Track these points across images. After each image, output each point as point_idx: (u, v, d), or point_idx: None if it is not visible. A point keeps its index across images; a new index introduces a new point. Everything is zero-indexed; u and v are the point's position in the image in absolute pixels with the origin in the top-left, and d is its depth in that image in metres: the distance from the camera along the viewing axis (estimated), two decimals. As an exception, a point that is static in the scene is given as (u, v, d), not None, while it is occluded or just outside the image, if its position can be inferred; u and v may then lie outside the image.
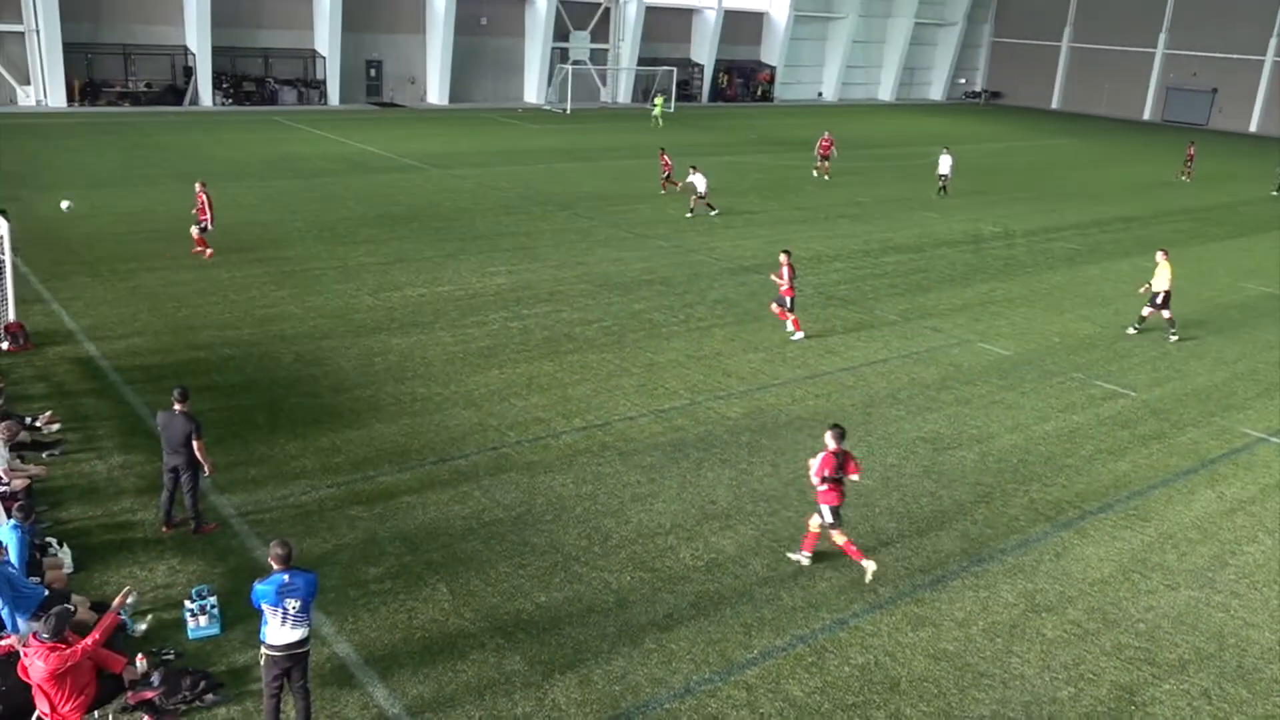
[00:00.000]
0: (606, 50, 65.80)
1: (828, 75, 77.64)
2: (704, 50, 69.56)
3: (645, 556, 11.83)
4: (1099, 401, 17.69)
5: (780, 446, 15.02)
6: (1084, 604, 11.40)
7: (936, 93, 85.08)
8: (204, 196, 23.06)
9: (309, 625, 8.45)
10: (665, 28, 67.87)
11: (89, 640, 8.19)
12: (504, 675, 9.63)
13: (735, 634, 10.46)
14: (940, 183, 37.39)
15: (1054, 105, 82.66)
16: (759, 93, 73.13)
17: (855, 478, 11.65)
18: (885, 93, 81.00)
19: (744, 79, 73.00)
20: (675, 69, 65.21)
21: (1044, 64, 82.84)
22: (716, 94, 70.98)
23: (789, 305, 19.94)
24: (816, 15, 74.49)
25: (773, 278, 20.36)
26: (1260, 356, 20.70)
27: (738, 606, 10.94)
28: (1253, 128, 72.00)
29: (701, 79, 70.13)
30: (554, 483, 13.50)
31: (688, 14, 69.26)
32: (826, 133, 41.33)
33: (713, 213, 28.85)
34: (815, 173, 40.19)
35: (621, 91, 66.46)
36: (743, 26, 71.96)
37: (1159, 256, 21.40)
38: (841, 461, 11.33)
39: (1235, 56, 72.03)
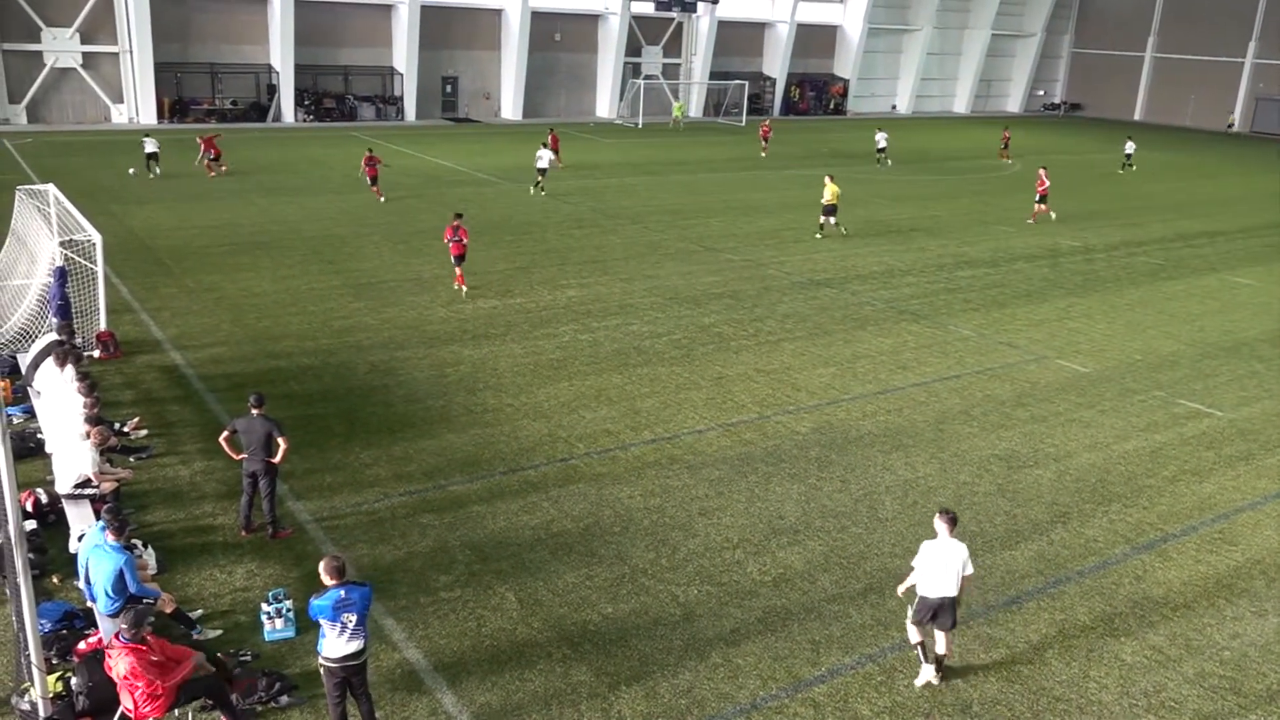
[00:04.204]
0: (679, 65, 66.07)
1: (902, 88, 76.87)
2: (776, 64, 69.42)
3: (712, 570, 11.79)
4: (1182, 421, 17.16)
5: (850, 462, 14.86)
6: (1165, 629, 11.05)
7: (1014, 105, 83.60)
8: (204, 141, 35.03)
9: (366, 636, 8.58)
10: (737, 42, 67.89)
11: (182, 670, 8.47)
12: (570, 686, 9.68)
13: (803, 651, 10.37)
14: (879, 156, 45.00)
15: (1137, 117, 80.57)
16: (831, 106, 72.70)
17: (465, 240, 21.99)
18: (961, 105, 79.85)
19: (816, 92, 72.62)
20: (747, 83, 65.14)
21: (1126, 75, 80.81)
22: (788, 107, 70.75)
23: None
24: (891, 28, 73.86)
25: None
26: (1356, 376, 19.87)
27: (805, 623, 10.84)
28: (1348, 139, 69.36)
29: (774, 92, 69.98)
30: (622, 495, 13.55)
31: (760, 28, 69.20)
32: (766, 121, 50.79)
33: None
34: (763, 154, 48.00)
35: (693, 106, 66.60)
36: (816, 40, 71.65)
37: (827, 180, 30.01)
38: (456, 230, 21.79)
39: (1330, 65, 69.52)
